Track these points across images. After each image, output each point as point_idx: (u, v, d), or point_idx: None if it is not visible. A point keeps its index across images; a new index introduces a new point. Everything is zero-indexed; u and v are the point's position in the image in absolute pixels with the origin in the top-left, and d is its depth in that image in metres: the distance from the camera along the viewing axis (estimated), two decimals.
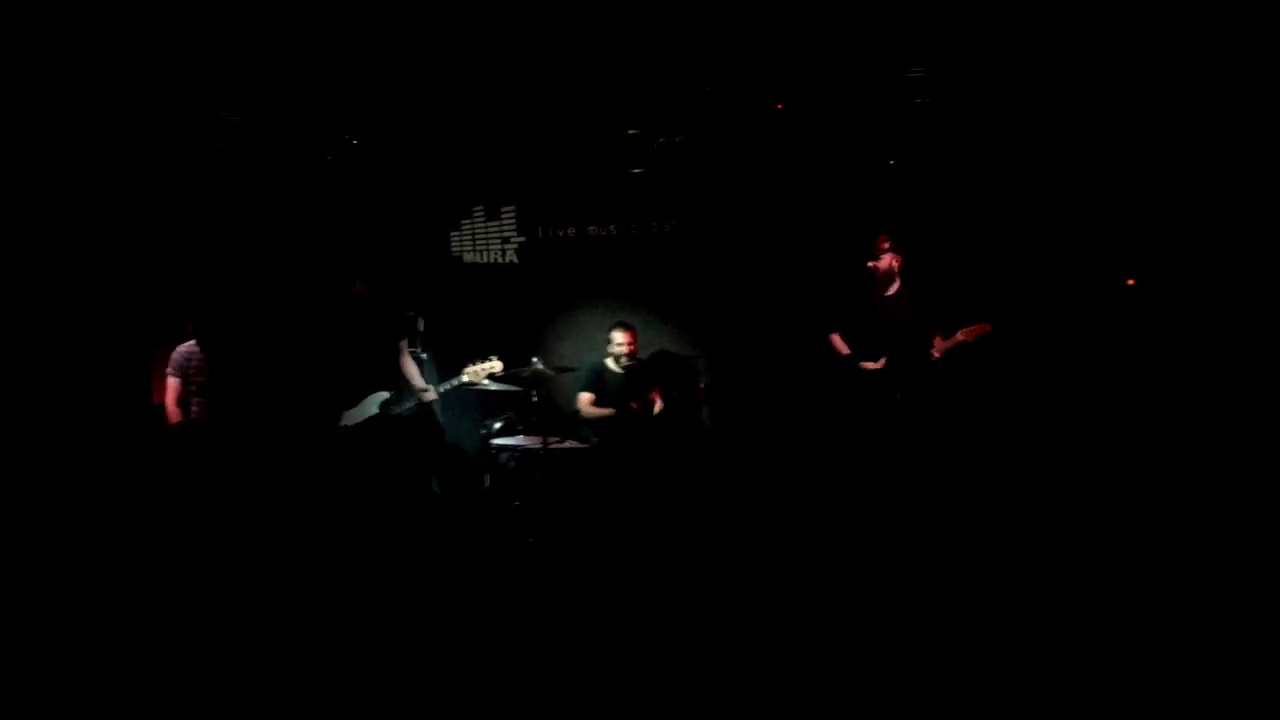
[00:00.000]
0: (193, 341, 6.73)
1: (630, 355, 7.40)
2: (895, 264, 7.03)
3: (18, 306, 6.60)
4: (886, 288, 7.07)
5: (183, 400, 6.69)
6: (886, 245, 7.02)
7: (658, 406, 7.26)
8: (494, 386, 6.83)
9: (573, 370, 7.45)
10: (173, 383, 6.69)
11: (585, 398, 7.40)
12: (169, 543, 5.83)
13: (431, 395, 6.60)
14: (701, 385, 7.52)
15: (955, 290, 7.29)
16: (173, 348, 6.77)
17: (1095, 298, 7.30)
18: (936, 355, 6.76)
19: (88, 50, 5.95)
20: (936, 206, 7.67)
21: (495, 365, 6.69)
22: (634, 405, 7.20)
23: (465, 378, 6.69)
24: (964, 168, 7.60)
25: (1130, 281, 7.39)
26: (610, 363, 7.46)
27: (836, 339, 7.25)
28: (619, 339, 7.39)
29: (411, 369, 6.81)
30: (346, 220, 7.98)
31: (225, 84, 6.61)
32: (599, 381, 7.42)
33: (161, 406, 6.76)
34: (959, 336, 6.70)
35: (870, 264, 7.03)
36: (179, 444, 6.55)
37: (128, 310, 7.19)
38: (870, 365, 6.96)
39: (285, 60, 6.39)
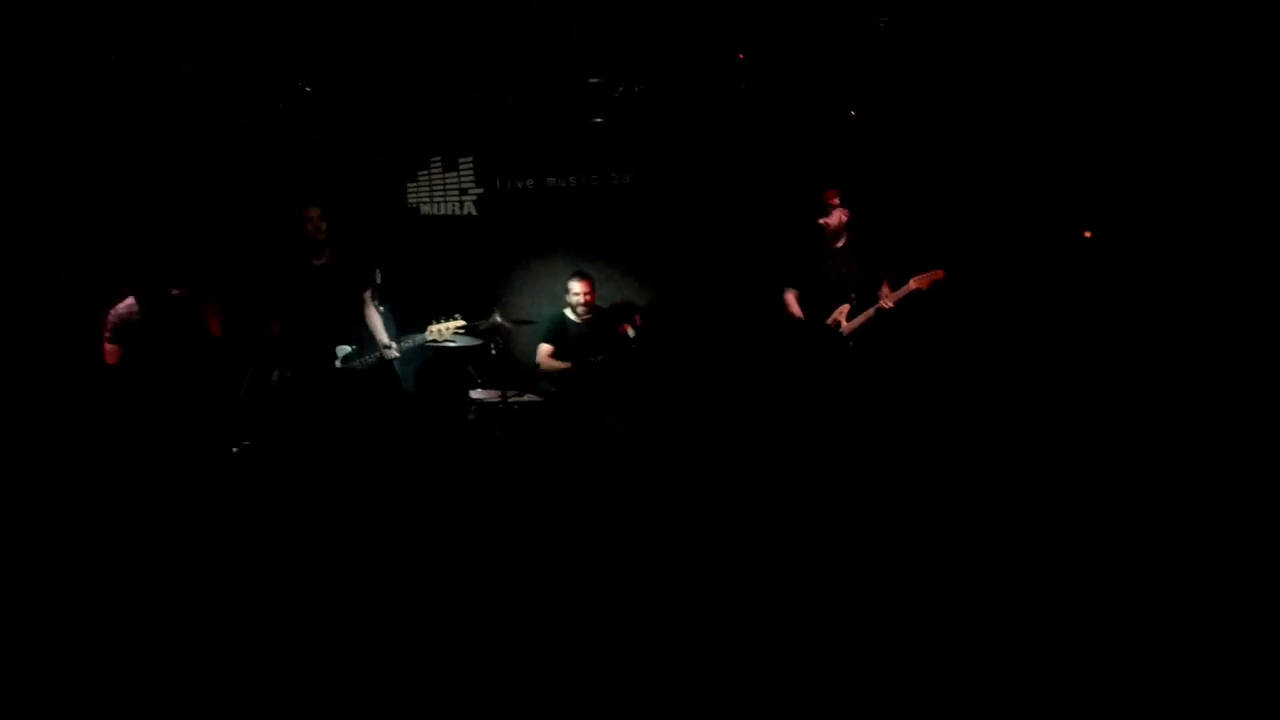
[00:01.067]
0: (130, 300, 6.32)
1: (588, 305, 7.35)
2: (844, 218, 6.99)
3: None
4: (835, 242, 7.04)
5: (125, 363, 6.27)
6: (836, 200, 6.99)
7: (631, 333, 7.20)
8: (455, 343, 6.77)
9: (532, 323, 7.40)
10: (113, 349, 6.26)
11: (545, 349, 7.37)
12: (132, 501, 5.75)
13: (394, 352, 6.54)
14: (638, 317, 7.40)
15: (907, 239, 7.33)
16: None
17: (1052, 247, 7.36)
18: (889, 305, 6.71)
19: None
20: (889, 155, 7.68)
21: (458, 323, 6.63)
22: (595, 360, 7.17)
23: (429, 336, 6.63)
24: (921, 118, 7.60)
25: (1087, 234, 7.46)
26: (569, 313, 7.42)
27: (790, 298, 7.24)
28: (576, 288, 7.35)
29: (376, 322, 6.73)
30: (301, 170, 7.80)
31: (177, 28, 6.43)
32: (560, 333, 7.39)
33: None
34: (911, 285, 6.65)
35: (820, 219, 7.00)
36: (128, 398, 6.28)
37: (70, 270, 6.89)
38: (839, 318, 6.91)
39: (239, 3, 6.23)
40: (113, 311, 6.31)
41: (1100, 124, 7.18)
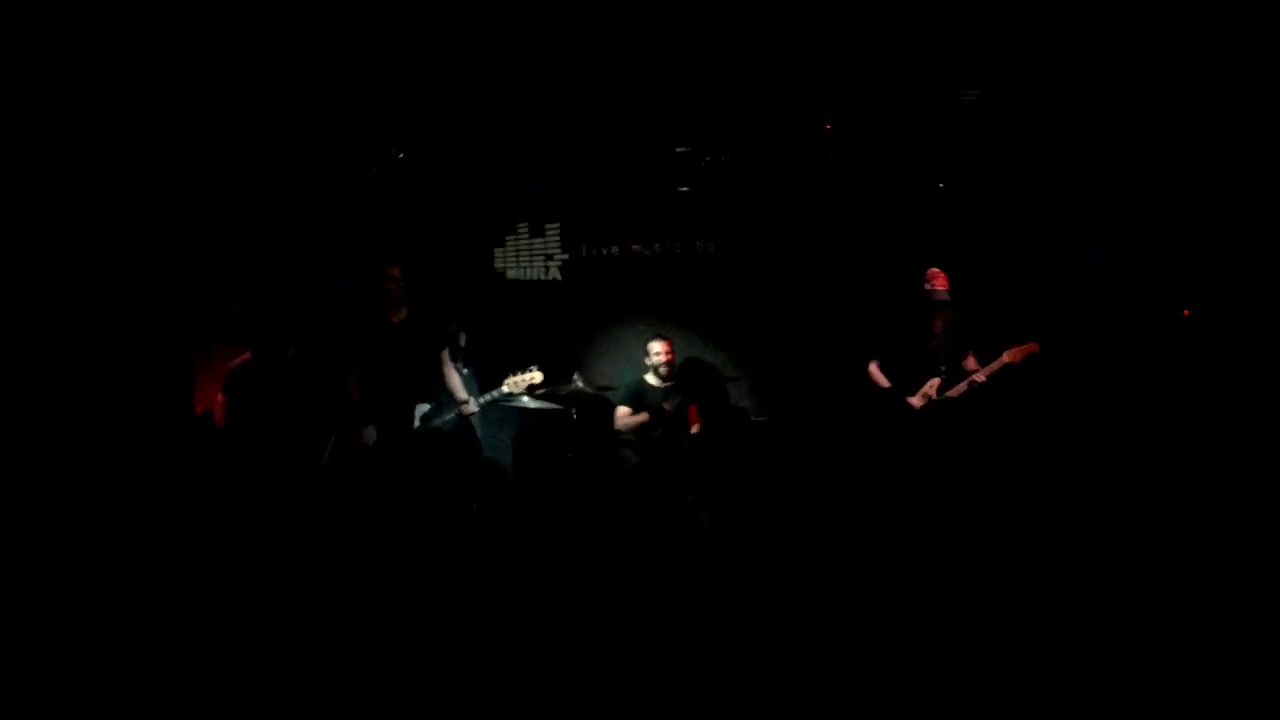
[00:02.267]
0: (246, 356, 6.50)
1: (668, 365, 7.34)
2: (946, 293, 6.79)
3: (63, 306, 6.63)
4: (936, 321, 6.80)
5: (230, 418, 6.43)
6: (942, 279, 6.78)
7: (695, 427, 7.20)
8: (533, 404, 6.79)
9: (613, 389, 7.39)
10: (222, 401, 6.45)
11: (623, 410, 7.34)
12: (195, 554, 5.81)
13: (472, 407, 6.55)
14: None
15: (995, 314, 7.15)
16: (216, 356, 6.64)
17: (1148, 324, 7.14)
18: (982, 379, 6.49)
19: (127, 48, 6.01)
20: (979, 227, 7.56)
21: (535, 376, 6.63)
22: (667, 408, 7.14)
23: (505, 388, 6.65)
24: (1009, 188, 7.50)
25: (1186, 312, 7.23)
26: (650, 378, 7.41)
27: (874, 369, 6.99)
28: (656, 349, 7.35)
29: (455, 381, 6.75)
30: (392, 234, 7.98)
31: (272, 95, 6.67)
32: (639, 399, 7.36)
33: (206, 416, 6.62)
34: (1005, 358, 6.46)
35: (931, 293, 6.71)
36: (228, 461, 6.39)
37: (169, 315, 7.17)
38: (918, 401, 6.75)
39: (335, 71, 6.43)
40: (230, 367, 6.50)
41: (1189, 202, 7.03)
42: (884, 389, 6.93)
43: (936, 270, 6.73)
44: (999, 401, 6.69)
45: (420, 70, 6.49)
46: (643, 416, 7.25)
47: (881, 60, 6.46)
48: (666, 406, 7.15)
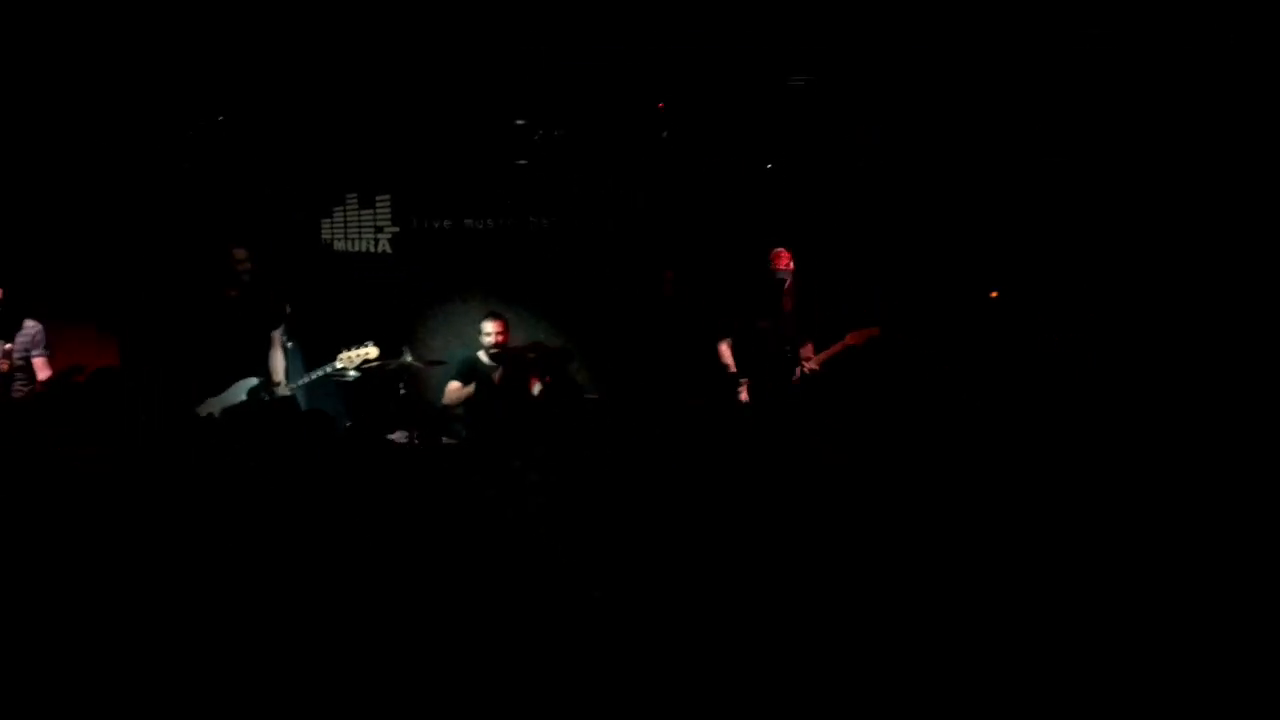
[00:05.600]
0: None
1: (500, 345, 7.26)
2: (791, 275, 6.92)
3: None
4: (786, 301, 6.89)
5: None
6: (787, 259, 6.89)
7: (536, 388, 7.15)
8: (361, 378, 6.64)
9: (443, 364, 7.29)
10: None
11: (453, 385, 7.26)
12: None
13: (283, 390, 6.41)
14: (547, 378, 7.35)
15: (836, 299, 7.38)
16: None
17: (965, 306, 7.51)
18: (814, 367, 6.70)
19: None
20: (812, 211, 7.78)
21: (371, 351, 6.53)
22: (495, 377, 7.10)
23: (339, 364, 6.52)
24: (838, 175, 7.74)
25: (994, 294, 7.63)
26: (482, 355, 7.33)
27: (725, 349, 7.03)
28: (489, 328, 7.25)
29: (277, 360, 6.59)
30: (213, 200, 7.63)
31: (91, 49, 6.29)
32: (470, 375, 7.28)
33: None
34: (848, 340, 6.69)
35: (778, 277, 6.82)
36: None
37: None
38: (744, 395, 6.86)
39: (155, 24, 6.11)
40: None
41: (1018, 180, 7.42)
42: (729, 373, 6.98)
43: (780, 250, 6.88)
44: (838, 384, 6.92)
45: (253, 26, 6.23)
46: (470, 389, 7.18)
47: (714, 41, 6.56)
48: (495, 377, 7.09)
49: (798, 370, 6.69)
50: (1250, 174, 6.72)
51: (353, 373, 6.56)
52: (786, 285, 6.83)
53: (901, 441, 7.08)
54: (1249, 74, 6.41)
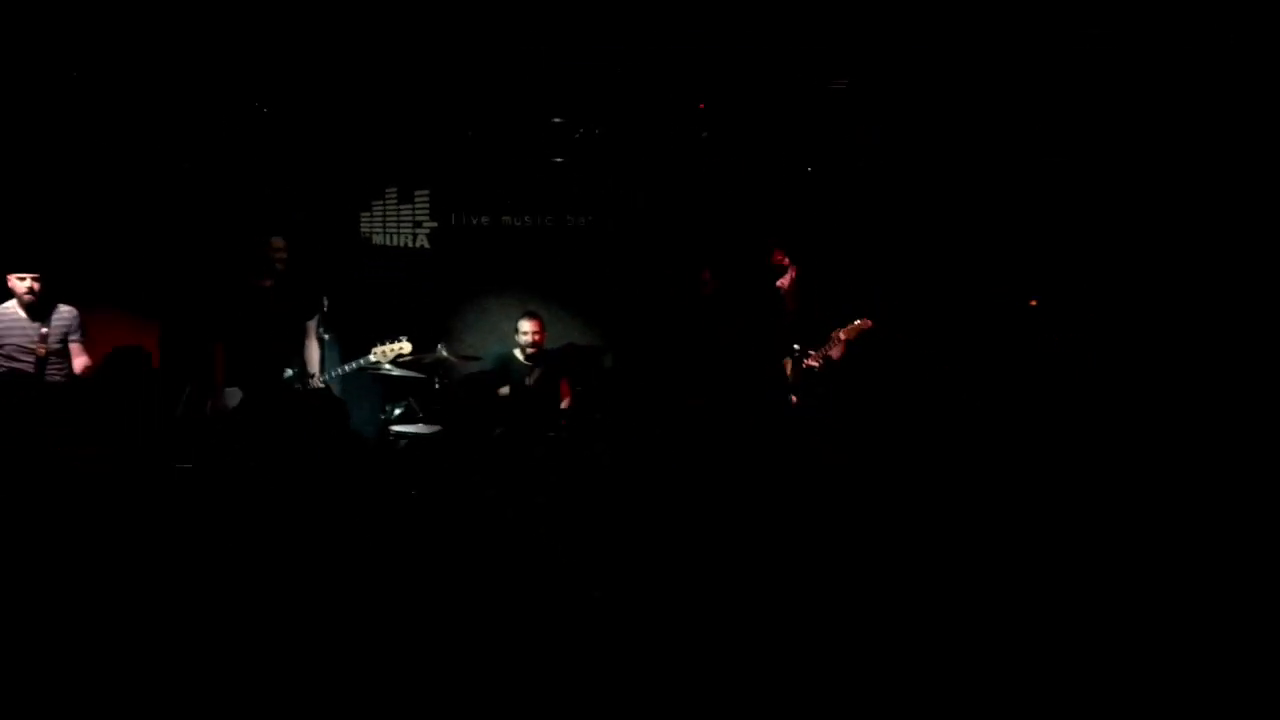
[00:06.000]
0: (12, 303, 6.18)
1: (536, 345, 7.27)
2: (793, 276, 6.94)
3: None
4: (790, 301, 6.97)
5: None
6: (786, 260, 6.93)
7: (565, 402, 7.18)
8: (396, 372, 6.68)
9: (478, 359, 7.31)
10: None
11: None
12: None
13: (317, 383, 6.45)
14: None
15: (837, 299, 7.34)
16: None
17: (996, 315, 7.44)
18: (815, 364, 6.68)
19: None
20: (811, 212, 7.75)
21: (404, 346, 6.56)
22: (529, 382, 7.10)
23: (372, 357, 6.55)
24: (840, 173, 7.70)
25: (1033, 302, 7.55)
26: (517, 353, 7.34)
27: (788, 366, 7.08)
28: (525, 327, 7.27)
29: (312, 352, 6.62)
30: (253, 190, 7.70)
31: (136, 38, 6.35)
32: (504, 372, 7.30)
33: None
34: (841, 335, 6.67)
35: (778, 282, 6.90)
36: None
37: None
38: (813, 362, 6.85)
39: (202, 14, 6.15)
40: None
41: (1018, 180, 7.37)
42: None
43: (779, 250, 6.90)
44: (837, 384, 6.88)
45: (295, 22, 6.27)
46: (505, 390, 7.18)
47: (755, 42, 6.53)
48: (529, 381, 7.11)
49: (802, 364, 6.68)
50: (1250, 174, 6.62)
51: (387, 366, 6.59)
52: (787, 285, 6.84)
53: (901, 441, 7.07)
54: (1249, 74, 6.30)
